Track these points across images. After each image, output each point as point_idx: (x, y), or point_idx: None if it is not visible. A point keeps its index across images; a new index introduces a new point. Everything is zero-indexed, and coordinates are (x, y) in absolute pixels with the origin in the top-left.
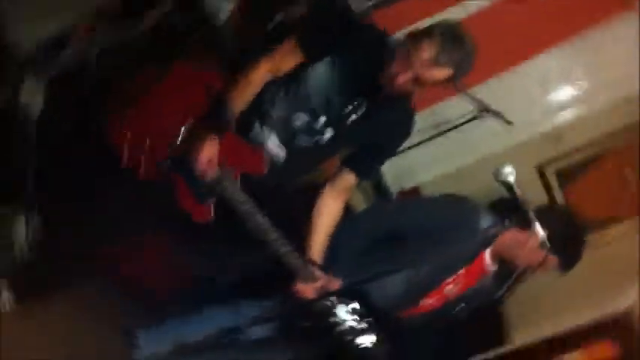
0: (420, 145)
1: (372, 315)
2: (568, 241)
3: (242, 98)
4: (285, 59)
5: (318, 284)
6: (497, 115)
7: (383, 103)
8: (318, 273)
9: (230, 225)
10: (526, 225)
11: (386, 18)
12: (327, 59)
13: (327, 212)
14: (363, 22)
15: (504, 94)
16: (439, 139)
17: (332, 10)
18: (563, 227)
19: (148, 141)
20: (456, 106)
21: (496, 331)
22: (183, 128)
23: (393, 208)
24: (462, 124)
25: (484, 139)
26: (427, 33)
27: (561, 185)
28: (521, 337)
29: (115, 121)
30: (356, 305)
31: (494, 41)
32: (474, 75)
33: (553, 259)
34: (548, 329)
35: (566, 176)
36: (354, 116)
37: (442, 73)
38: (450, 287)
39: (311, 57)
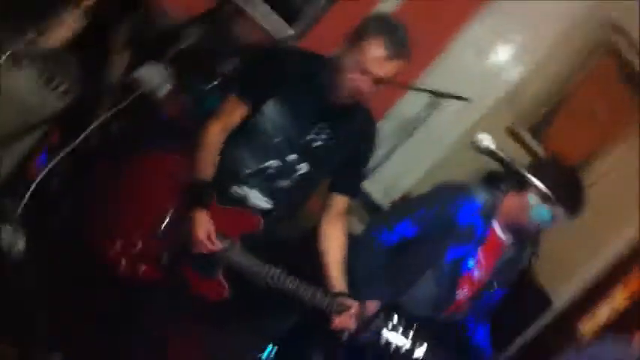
0: (394, 154)
1: (416, 324)
2: (567, 188)
3: (207, 165)
4: (231, 114)
5: (354, 311)
6: (449, 96)
7: (342, 119)
8: (348, 301)
9: (247, 292)
10: (521, 187)
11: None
12: (272, 100)
13: (332, 241)
14: (294, 51)
15: (448, 75)
16: (408, 142)
17: (259, 53)
18: (558, 176)
19: (139, 243)
20: (409, 104)
21: (538, 297)
22: (167, 218)
23: (390, 213)
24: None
25: (448, 125)
26: (365, 32)
27: (537, 139)
28: (560, 296)
29: (99, 234)
30: (398, 319)
31: (420, 28)
32: (415, 67)
33: (560, 210)
34: (582, 279)
35: (538, 129)
36: (319, 141)
37: (395, 64)
38: (476, 272)
39: (255, 103)
